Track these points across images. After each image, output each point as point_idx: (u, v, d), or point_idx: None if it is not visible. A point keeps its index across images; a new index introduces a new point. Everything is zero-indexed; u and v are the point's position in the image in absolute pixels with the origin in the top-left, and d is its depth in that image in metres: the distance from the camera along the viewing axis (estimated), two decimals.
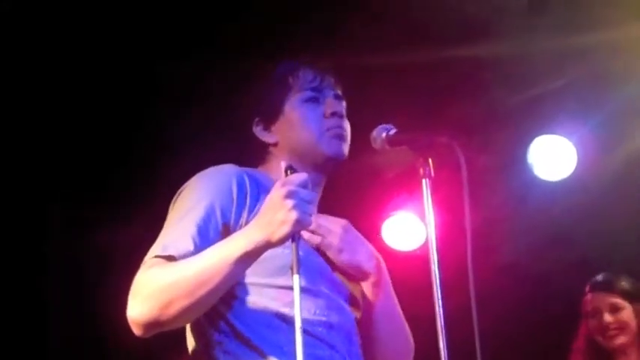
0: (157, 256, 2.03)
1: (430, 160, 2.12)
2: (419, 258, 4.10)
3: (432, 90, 4.28)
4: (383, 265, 2.32)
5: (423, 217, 2.14)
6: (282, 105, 2.32)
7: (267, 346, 2.08)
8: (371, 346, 2.29)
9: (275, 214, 1.92)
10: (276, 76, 2.36)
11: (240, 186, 2.16)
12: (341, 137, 2.29)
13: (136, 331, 2.01)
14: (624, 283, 3.83)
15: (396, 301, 2.34)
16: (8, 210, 4.33)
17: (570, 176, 4.57)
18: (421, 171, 2.12)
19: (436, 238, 2.08)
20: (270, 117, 2.33)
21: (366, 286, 2.29)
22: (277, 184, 1.97)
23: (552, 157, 4.56)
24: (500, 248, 4.52)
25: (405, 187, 4.56)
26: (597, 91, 4.24)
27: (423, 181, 2.12)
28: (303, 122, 2.29)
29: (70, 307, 4.53)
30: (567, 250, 4.56)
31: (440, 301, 2.03)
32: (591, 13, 3.86)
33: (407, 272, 3.20)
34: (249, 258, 1.97)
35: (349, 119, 2.37)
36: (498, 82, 4.21)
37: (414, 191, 2.11)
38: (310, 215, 1.94)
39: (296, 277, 1.89)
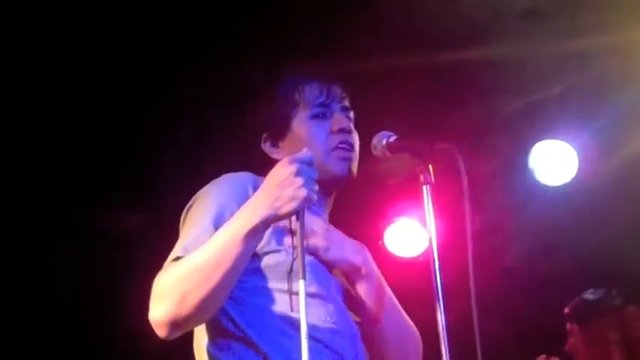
0: (177, 258, 2.04)
1: (430, 167, 2.13)
2: (422, 265, 4.10)
3: (433, 96, 4.28)
4: (370, 257, 2.32)
5: (425, 223, 2.13)
6: (289, 122, 2.35)
7: (276, 353, 2.07)
8: (377, 346, 2.27)
9: (284, 190, 1.96)
10: (282, 93, 2.38)
11: (257, 190, 2.16)
12: (347, 158, 2.31)
13: (160, 333, 2.00)
14: (575, 305, 3.84)
15: (391, 295, 2.33)
16: (9, 220, 4.32)
17: (572, 181, 4.57)
18: (421, 178, 2.13)
19: (438, 245, 2.08)
20: (278, 134, 2.36)
21: (359, 283, 2.27)
22: (284, 161, 2.01)
23: (553, 162, 4.56)
24: (502, 253, 4.51)
25: (406, 193, 4.55)
26: (598, 95, 4.23)
27: (424, 187, 2.12)
28: (310, 140, 2.31)
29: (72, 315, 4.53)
30: (569, 255, 4.56)
31: (442, 306, 2.03)
32: (591, 18, 3.86)
33: (410, 279, 3.20)
34: (256, 233, 2.00)
35: None
36: (499, 88, 4.21)
37: (416, 198, 2.11)
38: (315, 192, 1.99)
39: (299, 264, 1.91)
